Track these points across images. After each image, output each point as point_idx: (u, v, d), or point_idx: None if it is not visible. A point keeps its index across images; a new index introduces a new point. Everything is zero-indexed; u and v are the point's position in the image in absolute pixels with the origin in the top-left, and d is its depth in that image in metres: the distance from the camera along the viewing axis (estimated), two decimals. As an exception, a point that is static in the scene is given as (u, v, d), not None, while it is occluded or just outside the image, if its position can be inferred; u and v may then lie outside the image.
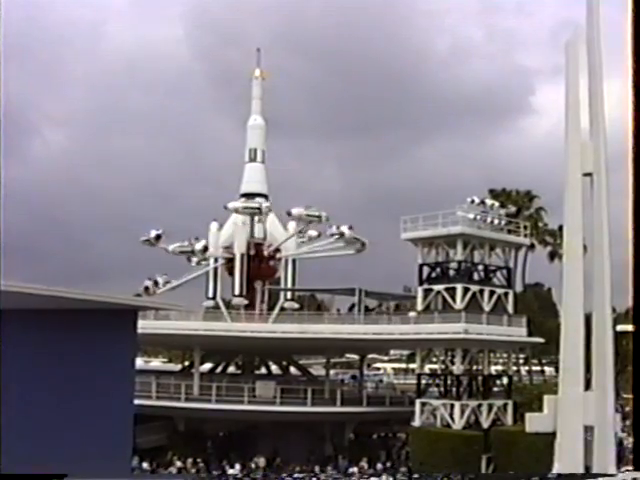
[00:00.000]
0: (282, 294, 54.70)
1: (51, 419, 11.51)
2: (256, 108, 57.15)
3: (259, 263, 54.15)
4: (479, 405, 43.87)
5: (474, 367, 45.27)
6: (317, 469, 42.53)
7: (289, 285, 54.98)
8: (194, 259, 53.77)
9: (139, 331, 12.77)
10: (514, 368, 52.68)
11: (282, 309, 52.96)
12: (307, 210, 50.17)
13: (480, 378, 45.31)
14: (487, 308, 44.07)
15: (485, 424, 43.51)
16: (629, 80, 21.99)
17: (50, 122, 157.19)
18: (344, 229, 50.24)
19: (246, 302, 53.07)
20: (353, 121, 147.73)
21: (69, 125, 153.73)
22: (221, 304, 53.25)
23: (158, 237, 50.86)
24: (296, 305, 54.78)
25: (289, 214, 51.25)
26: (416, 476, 37.77)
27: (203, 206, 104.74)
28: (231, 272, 55.01)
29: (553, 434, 26.70)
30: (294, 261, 55.20)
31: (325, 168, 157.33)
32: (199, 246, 50.91)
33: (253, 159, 56.18)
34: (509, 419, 44.60)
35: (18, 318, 11.37)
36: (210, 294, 53.81)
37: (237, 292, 53.01)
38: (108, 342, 12.11)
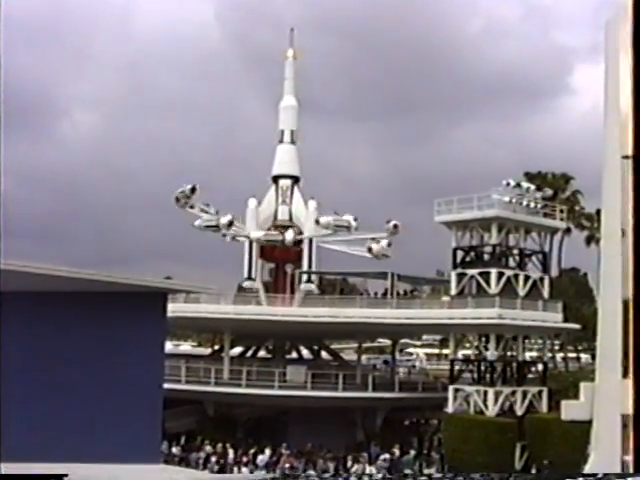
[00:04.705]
0: (305, 277, 54.32)
1: (80, 402, 11.62)
2: (288, 89, 56.95)
3: (288, 247, 53.98)
4: (513, 392, 43.68)
5: (508, 353, 45.10)
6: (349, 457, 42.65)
7: (313, 268, 54.59)
8: (227, 235, 52.90)
9: (169, 314, 12.85)
10: (549, 355, 52.29)
11: (310, 293, 52.69)
12: (335, 220, 50.14)
13: (514, 364, 45.11)
14: (522, 293, 43.81)
15: (519, 411, 43.33)
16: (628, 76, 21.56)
17: (79, 104, 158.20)
18: (374, 246, 50.68)
19: (313, 287, 52.97)
20: (387, 102, 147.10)
21: (99, 107, 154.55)
22: (260, 287, 52.98)
23: (193, 189, 50.41)
24: (312, 286, 54.19)
25: (317, 222, 51.26)
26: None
27: (234, 189, 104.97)
28: (264, 255, 54.76)
29: (589, 422, 26.51)
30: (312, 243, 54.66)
31: (358, 150, 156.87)
32: (224, 220, 50.17)
33: (285, 140, 56.08)
34: (544, 406, 44.35)
35: (46, 301, 11.47)
36: (253, 275, 53.18)
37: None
38: (138, 325, 12.19)
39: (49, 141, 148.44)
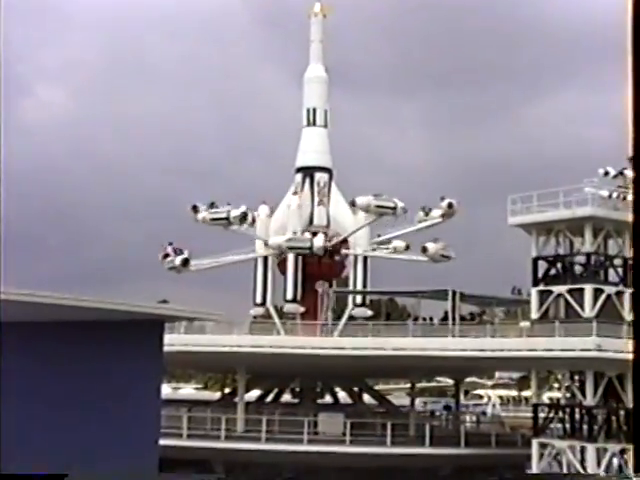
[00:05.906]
0: (351, 299, 54.71)
1: (59, 462, 11.59)
2: (315, 55, 57.16)
3: (319, 258, 54.11)
4: (622, 450, 43.02)
5: (612, 397, 44.59)
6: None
7: (360, 287, 54.95)
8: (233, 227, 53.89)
9: (166, 348, 12.82)
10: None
11: (351, 317, 53.01)
12: (377, 200, 50.54)
13: (622, 412, 44.51)
14: (628, 317, 43.39)
15: (634, 476, 42.84)
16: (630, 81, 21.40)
17: (46, 78, 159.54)
18: (429, 245, 51.44)
19: (302, 309, 53.28)
20: (443, 71, 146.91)
21: (71, 81, 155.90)
22: (273, 312, 53.40)
23: (186, 262, 52.05)
24: (369, 312, 54.77)
25: (353, 204, 51.60)
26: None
27: (249, 184, 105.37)
28: (284, 271, 55.20)
29: None
30: (365, 256, 55.28)
31: (407, 133, 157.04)
32: (235, 212, 50.97)
33: (312, 122, 56.26)
34: (666, 469, 43.84)
35: (16, 332, 11.46)
36: (258, 299, 53.95)
37: (290, 296, 53.25)
38: (127, 363, 12.15)
39: (7, 125, 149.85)
